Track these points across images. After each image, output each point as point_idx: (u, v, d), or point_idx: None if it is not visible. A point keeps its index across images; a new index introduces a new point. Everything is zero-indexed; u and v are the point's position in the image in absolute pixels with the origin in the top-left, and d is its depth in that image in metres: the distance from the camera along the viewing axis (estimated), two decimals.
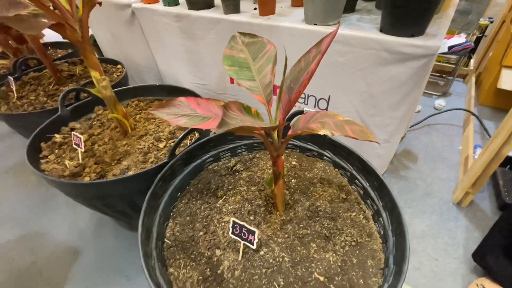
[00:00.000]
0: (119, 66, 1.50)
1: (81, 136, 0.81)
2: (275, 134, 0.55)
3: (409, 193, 1.22)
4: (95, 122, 1.06)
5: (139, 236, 0.58)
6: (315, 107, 1.03)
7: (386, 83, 0.81)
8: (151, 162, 0.85)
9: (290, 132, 0.55)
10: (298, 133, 0.52)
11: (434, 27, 0.78)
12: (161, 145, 0.91)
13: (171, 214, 0.75)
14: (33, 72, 1.44)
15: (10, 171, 1.47)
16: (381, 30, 0.79)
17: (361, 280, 0.57)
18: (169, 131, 0.97)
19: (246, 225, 0.58)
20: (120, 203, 0.83)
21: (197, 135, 0.97)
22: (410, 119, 0.91)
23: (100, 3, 0.77)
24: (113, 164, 0.85)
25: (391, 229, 0.64)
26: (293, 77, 0.56)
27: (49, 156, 0.89)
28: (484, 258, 0.84)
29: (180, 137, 0.76)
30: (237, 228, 0.60)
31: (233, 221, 0.60)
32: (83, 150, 0.83)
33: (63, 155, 0.90)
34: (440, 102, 1.75)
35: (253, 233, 0.58)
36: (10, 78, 1.19)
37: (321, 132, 0.47)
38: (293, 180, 0.81)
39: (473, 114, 1.55)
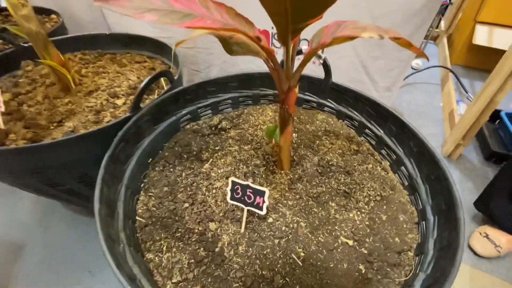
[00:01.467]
0: (53, 16, 1.17)
1: None
2: (289, 52, 0.39)
3: None
4: (22, 80, 0.78)
5: (96, 214, 0.39)
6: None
7: (396, 14, 0.69)
8: (107, 122, 0.64)
9: (309, 49, 0.39)
10: (326, 43, 0.36)
11: None
12: (119, 102, 0.70)
13: (142, 185, 0.56)
14: None
15: None
16: None
17: (396, 239, 0.46)
18: (128, 85, 0.75)
19: (251, 184, 0.43)
20: (66, 178, 0.61)
21: (165, 86, 0.76)
22: (412, 58, 0.81)
23: None
24: (52, 127, 0.62)
25: (420, 176, 0.53)
26: None
27: None
28: (488, 205, 0.81)
29: (145, 81, 0.56)
30: (239, 190, 0.44)
31: (233, 181, 0.44)
32: (2, 109, 0.58)
33: None
34: (417, 62, 1.72)
35: (261, 193, 0.43)
36: None
37: (365, 35, 0.33)
38: (293, 134, 0.67)
39: (451, 71, 1.54)
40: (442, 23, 2.03)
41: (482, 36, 1.54)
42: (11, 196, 0.96)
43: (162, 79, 0.81)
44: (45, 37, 0.63)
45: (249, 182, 0.43)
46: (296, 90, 0.44)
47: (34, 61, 0.85)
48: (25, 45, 0.85)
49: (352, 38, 0.35)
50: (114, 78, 0.79)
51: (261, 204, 0.43)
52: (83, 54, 0.93)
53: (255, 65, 1.06)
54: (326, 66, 0.65)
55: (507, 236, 0.79)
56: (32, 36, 0.61)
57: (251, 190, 0.43)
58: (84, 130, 0.61)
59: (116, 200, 0.48)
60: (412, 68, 1.73)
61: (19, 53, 0.85)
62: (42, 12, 1.18)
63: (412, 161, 0.56)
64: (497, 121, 1.23)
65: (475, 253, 0.81)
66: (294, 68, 0.42)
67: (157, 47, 0.93)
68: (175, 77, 0.70)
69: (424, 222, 0.48)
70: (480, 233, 0.83)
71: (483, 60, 1.67)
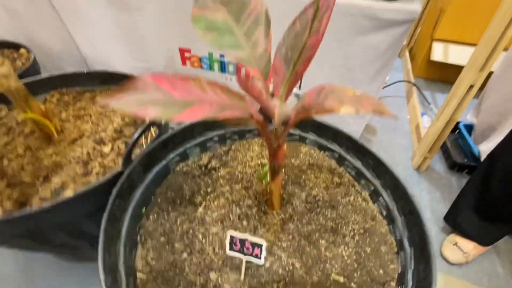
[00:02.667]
0: (22, 50, 1.13)
1: None
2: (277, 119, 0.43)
3: None
4: None
5: (102, 286, 0.40)
6: None
7: (364, 53, 0.76)
8: (97, 174, 0.63)
9: (293, 116, 0.44)
10: (309, 115, 0.41)
11: None
12: (106, 149, 0.70)
13: (138, 238, 0.57)
14: None
15: None
16: None
17: (380, 270, 0.52)
18: (113, 129, 0.75)
19: (249, 237, 0.46)
20: (58, 235, 0.60)
21: (154, 133, 0.78)
22: (382, 87, 0.89)
23: None
24: (37, 183, 0.61)
25: (396, 207, 0.60)
26: (289, 44, 0.44)
27: None
28: (455, 219, 0.91)
29: (136, 136, 0.57)
30: (237, 243, 0.47)
31: (231, 236, 0.47)
32: None
33: None
34: None
35: (259, 246, 0.46)
36: None
37: (342, 110, 0.37)
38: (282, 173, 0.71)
39: (415, 85, 1.68)
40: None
41: (439, 52, 1.71)
42: None
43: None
44: (25, 92, 0.62)
45: (247, 235, 0.46)
46: (284, 146, 0.48)
47: (8, 107, 0.82)
48: None
49: (332, 108, 0.40)
50: (98, 122, 0.78)
51: (259, 255, 0.47)
52: (60, 93, 0.90)
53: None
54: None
55: (473, 243, 0.89)
56: (12, 93, 0.60)
57: (249, 243, 0.46)
58: (73, 184, 0.61)
59: (117, 262, 0.49)
60: None
61: None
62: (9, 46, 1.13)
63: (388, 192, 0.63)
64: (457, 131, 1.37)
65: (447, 261, 0.90)
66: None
67: None
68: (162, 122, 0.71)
69: (402, 252, 0.54)
70: (450, 242, 0.92)
71: (442, 73, 1.84)
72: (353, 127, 0.99)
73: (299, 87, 0.92)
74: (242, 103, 0.39)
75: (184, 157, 0.73)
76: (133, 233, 0.57)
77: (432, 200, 1.11)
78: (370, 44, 0.74)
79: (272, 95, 0.44)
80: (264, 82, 0.42)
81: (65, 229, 0.60)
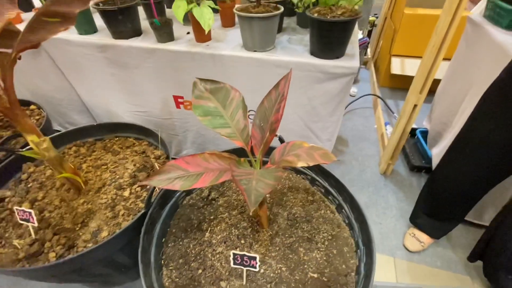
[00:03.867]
0: (33, 107, 1.28)
1: (31, 211, 0.71)
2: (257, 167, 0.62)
3: (349, 174, 1.48)
4: (30, 184, 0.91)
5: None
6: None
7: (322, 96, 0.97)
8: (123, 215, 0.81)
9: (268, 165, 0.63)
10: (278, 167, 0.60)
11: (350, 46, 0.96)
12: (126, 193, 0.87)
13: (162, 262, 0.75)
14: None
15: None
16: (311, 53, 0.93)
17: (343, 266, 0.72)
18: (129, 175, 0.93)
19: (246, 253, 0.65)
20: (98, 268, 0.77)
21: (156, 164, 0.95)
22: (341, 117, 1.10)
23: (20, 58, 0.67)
24: (77, 229, 0.78)
25: (353, 217, 0.80)
26: (261, 117, 0.64)
27: None
28: (415, 220, 1.13)
29: (152, 188, 0.75)
30: (238, 258, 0.66)
31: (233, 253, 0.66)
32: (36, 224, 0.73)
33: (6, 235, 0.77)
34: (353, 89, 2.10)
35: (254, 258, 0.65)
36: None
37: (299, 165, 0.57)
38: (267, 194, 0.90)
39: (379, 97, 1.93)
40: (369, 51, 2.47)
41: (397, 66, 1.96)
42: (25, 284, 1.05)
43: (153, 159, 1.00)
44: (61, 157, 0.79)
45: (245, 252, 0.65)
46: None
47: (35, 164, 0.98)
48: (23, 150, 0.97)
49: (292, 162, 0.60)
50: (115, 170, 0.95)
51: (255, 265, 0.65)
52: (76, 146, 1.07)
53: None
54: (281, 139, 0.90)
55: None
56: (51, 160, 0.77)
57: (246, 257, 0.65)
58: (106, 226, 0.78)
59: (152, 282, 0.66)
60: (350, 95, 2.10)
61: (19, 159, 0.97)
62: (21, 104, 1.28)
63: (348, 206, 0.83)
64: (415, 136, 1.60)
65: (408, 250, 1.12)
66: None
67: (141, 130, 1.11)
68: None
69: (359, 250, 0.74)
70: (410, 234, 1.14)
71: (403, 82, 2.09)
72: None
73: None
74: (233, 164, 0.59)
75: (188, 192, 0.92)
76: (158, 259, 0.74)
77: (397, 200, 1.33)
78: (326, 89, 0.95)
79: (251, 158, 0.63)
80: (247, 148, 0.61)
81: (103, 262, 0.77)
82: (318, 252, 0.75)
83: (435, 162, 1.31)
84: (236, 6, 0.99)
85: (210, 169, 0.55)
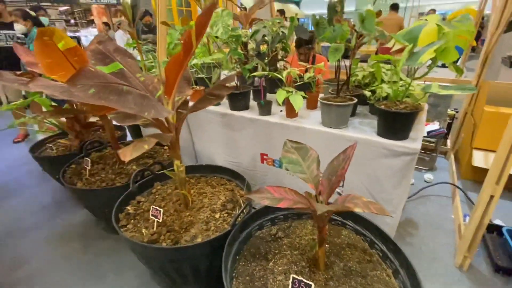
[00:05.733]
0: (166, 147, 1.84)
1: (161, 210, 1.06)
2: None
3: (416, 258, 1.41)
4: (156, 196, 1.31)
5: None
6: None
7: (386, 169, 1.13)
8: (212, 230, 1.07)
9: (331, 209, 0.82)
10: (339, 210, 0.79)
11: (414, 132, 1.15)
12: (217, 216, 1.15)
13: (234, 275, 0.94)
14: (94, 152, 1.76)
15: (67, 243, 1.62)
16: (378, 134, 1.15)
17: None
18: (221, 204, 1.23)
19: (304, 279, 0.79)
20: (186, 266, 1.01)
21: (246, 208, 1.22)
22: (407, 193, 1.19)
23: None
24: (182, 232, 1.07)
25: (409, 284, 0.84)
26: (330, 171, 0.87)
27: (127, 226, 1.11)
28: None
29: (240, 210, 1.02)
30: (296, 283, 0.80)
31: (293, 277, 0.81)
32: (160, 220, 1.06)
33: (138, 225, 1.12)
34: (429, 176, 2.08)
35: (309, 286, 0.78)
36: (87, 159, 1.49)
37: (356, 210, 0.75)
38: (326, 245, 1.03)
39: (457, 187, 1.85)
40: (448, 142, 2.46)
41: (479, 159, 1.91)
42: (121, 276, 1.36)
43: (238, 196, 1.28)
44: (186, 180, 1.16)
45: (302, 278, 0.79)
46: (327, 226, 0.85)
47: (161, 184, 1.40)
48: (158, 173, 1.42)
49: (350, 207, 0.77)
50: (211, 198, 1.28)
51: None
52: (188, 177, 1.47)
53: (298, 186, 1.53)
54: (339, 194, 1.07)
55: None
56: (180, 180, 1.14)
57: (303, 283, 0.79)
58: (201, 235, 1.05)
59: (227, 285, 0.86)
60: (424, 181, 2.07)
61: (154, 178, 1.42)
62: (158, 144, 1.87)
63: (404, 272, 0.88)
64: (500, 233, 1.45)
65: None
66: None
67: (233, 174, 1.46)
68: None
69: None
70: None
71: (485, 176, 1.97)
72: (387, 220, 1.26)
73: (342, 185, 1.30)
74: (304, 200, 0.81)
75: (260, 227, 1.13)
76: (231, 271, 0.94)
77: None
78: (389, 165, 1.11)
79: (318, 199, 0.84)
80: (316, 190, 0.83)
81: (191, 262, 1.01)
82: None
83: None
84: (320, 95, 1.35)
85: (288, 198, 0.78)
